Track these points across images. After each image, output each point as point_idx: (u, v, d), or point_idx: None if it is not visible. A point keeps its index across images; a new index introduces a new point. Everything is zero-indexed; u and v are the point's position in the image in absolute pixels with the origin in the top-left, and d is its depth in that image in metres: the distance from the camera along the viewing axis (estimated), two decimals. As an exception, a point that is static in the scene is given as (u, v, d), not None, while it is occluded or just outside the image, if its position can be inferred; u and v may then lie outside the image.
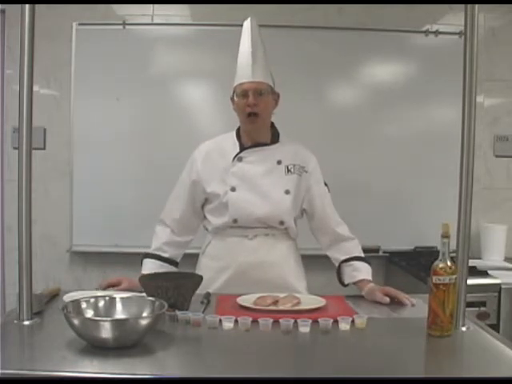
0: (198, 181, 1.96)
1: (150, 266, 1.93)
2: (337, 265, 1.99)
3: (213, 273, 1.94)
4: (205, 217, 2.01)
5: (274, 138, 2.01)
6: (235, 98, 1.92)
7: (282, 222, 1.93)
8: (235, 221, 1.91)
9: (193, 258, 2.06)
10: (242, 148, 1.97)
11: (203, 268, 2.00)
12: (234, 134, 2.02)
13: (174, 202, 2.02)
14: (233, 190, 1.92)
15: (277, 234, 1.95)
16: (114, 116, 3.07)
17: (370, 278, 1.92)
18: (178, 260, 2.01)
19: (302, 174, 1.98)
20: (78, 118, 3.05)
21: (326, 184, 2.04)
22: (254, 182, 1.93)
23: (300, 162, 1.98)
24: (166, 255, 1.97)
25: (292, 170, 1.96)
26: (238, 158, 1.95)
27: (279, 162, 1.96)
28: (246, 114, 1.89)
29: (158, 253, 1.97)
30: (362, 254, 2.00)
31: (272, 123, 2.02)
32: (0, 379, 1.12)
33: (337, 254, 1.99)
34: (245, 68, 1.91)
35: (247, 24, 1.96)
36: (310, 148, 2.06)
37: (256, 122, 1.90)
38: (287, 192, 1.94)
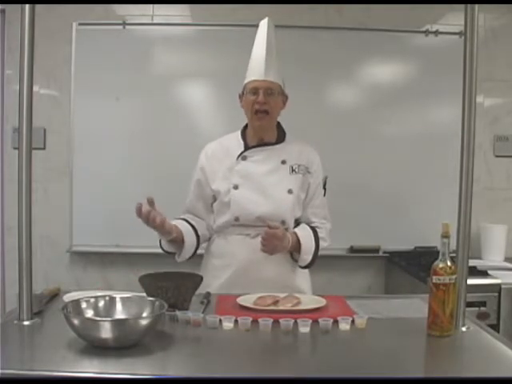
0: (204, 179, 1.99)
1: (178, 221, 1.94)
2: None
3: (215, 271, 1.97)
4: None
5: (280, 137, 2.01)
6: (245, 95, 1.93)
7: (283, 222, 1.93)
8: (237, 219, 1.92)
9: (196, 258, 2.05)
10: (247, 147, 1.98)
11: (207, 266, 2.02)
12: (239, 133, 2.03)
13: (189, 199, 2.05)
14: (235, 187, 1.93)
15: None
16: (113, 116, 3.07)
17: (303, 240, 1.91)
18: (201, 239, 1.98)
19: (306, 174, 1.98)
20: (78, 118, 3.05)
21: (324, 188, 2.05)
22: (257, 180, 1.94)
23: (305, 162, 1.99)
24: (192, 222, 1.97)
25: (296, 169, 1.97)
26: (242, 156, 1.96)
27: (284, 162, 1.97)
28: (253, 110, 1.90)
29: (185, 217, 1.99)
30: (326, 239, 2.00)
31: (278, 123, 2.03)
32: (0, 379, 1.12)
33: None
34: (258, 66, 1.91)
35: (263, 23, 1.97)
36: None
37: (264, 119, 1.91)
38: (290, 191, 1.94)
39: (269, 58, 1.91)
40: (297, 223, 2.01)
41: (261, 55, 1.92)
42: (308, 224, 2.01)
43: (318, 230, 2.00)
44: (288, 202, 1.94)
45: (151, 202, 1.73)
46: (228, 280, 1.92)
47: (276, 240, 1.81)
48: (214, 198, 2.01)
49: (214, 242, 2.02)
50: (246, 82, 1.94)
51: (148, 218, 1.72)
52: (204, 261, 2.06)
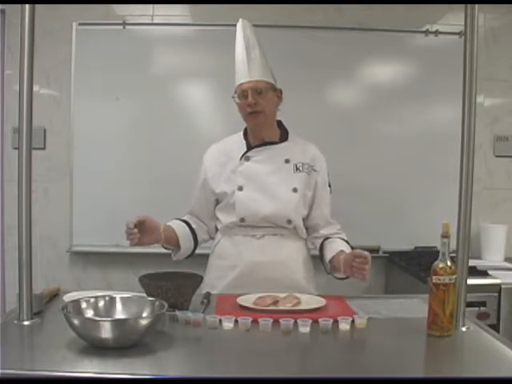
0: (207, 183, 2.00)
1: (175, 221, 1.99)
2: (318, 245, 2.01)
3: (220, 271, 1.96)
4: (216, 216, 2.03)
5: (283, 136, 2.01)
6: (237, 100, 1.93)
7: (289, 221, 1.93)
8: (242, 220, 1.92)
9: (196, 258, 2.06)
10: (249, 147, 1.98)
11: (212, 267, 2.02)
12: (242, 134, 2.03)
13: (193, 202, 2.06)
14: (240, 189, 1.93)
15: (286, 234, 1.95)
16: (114, 116, 3.07)
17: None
18: (199, 239, 2.03)
19: (311, 172, 1.97)
20: (78, 118, 3.05)
21: (329, 185, 2.04)
22: (261, 180, 1.94)
23: (309, 160, 1.98)
24: (193, 226, 2.01)
25: (301, 168, 1.96)
26: (245, 157, 1.96)
27: (287, 161, 1.96)
28: (247, 113, 1.90)
29: (186, 219, 2.03)
30: (345, 238, 2.01)
31: (280, 122, 2.03)
32: (0, 379, 1.12)
33: (318, 240, 2.02)
34: (241, 68, 1.92)
35: (239, 25, 1.98)
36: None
37: (258, 117, 1.91)
38: (295, 190, 1.93)
39: (249, 58, 1.91)
40: (325, 237, 2.00)
41: (241, 57, 1.92)
42: (334, 235, 2.00)
43: (343, 236, 2.01)
44: (293, 201, 1.93)
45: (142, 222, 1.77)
46: (233, 281, 1.92)
47: (367, 264, 1.70)
48: (217, 202, 2.01)
49: (220, 242, 2.01)
50: (235, 86, 1.94)
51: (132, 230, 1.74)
52: (210, 261, 2.06)
